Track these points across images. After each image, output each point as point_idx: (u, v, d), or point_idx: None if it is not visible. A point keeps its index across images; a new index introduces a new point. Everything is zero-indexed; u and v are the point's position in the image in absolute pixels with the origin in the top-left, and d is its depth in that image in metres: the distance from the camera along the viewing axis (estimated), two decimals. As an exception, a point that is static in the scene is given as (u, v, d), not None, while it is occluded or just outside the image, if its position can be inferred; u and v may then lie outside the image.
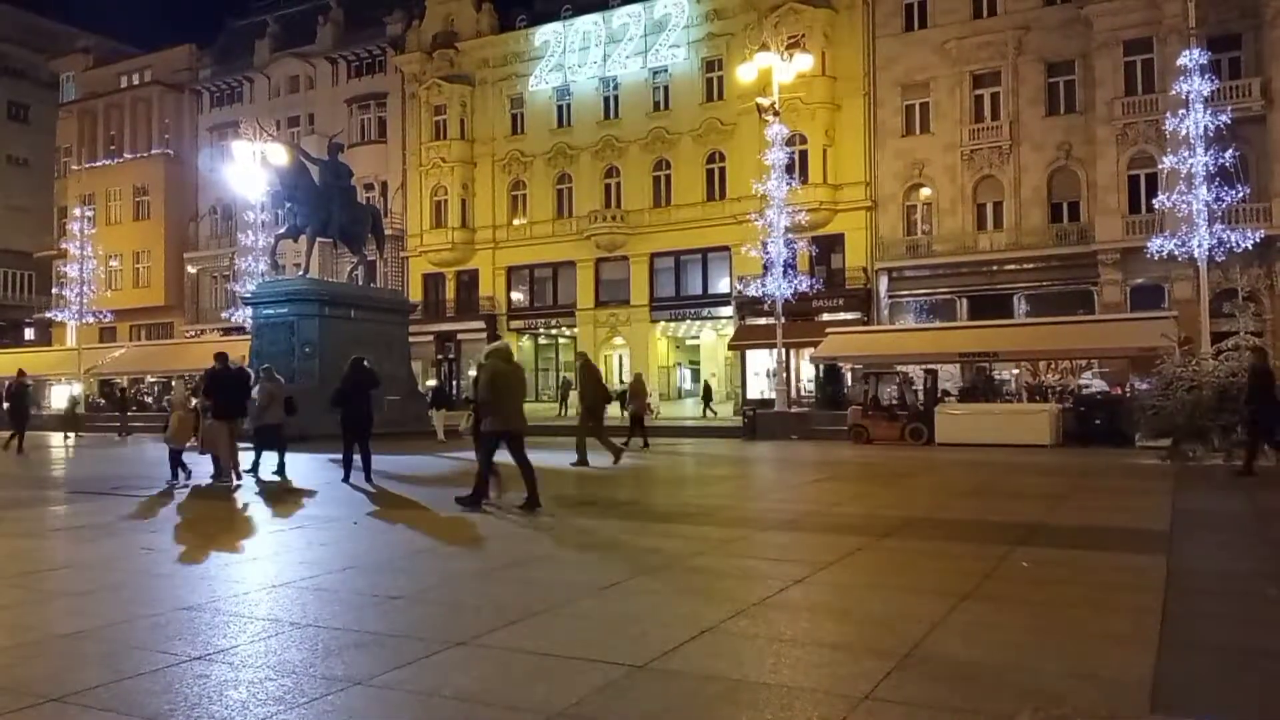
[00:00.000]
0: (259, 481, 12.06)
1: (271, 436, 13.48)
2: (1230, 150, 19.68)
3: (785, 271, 25.19)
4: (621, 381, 41.51)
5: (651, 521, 8.81)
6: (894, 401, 22.13)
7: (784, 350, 26.47)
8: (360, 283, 30.27)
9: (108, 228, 46.35)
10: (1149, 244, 21.22)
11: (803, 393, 33.42)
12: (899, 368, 24.14)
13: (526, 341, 42.12)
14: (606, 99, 38.66)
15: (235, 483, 12.01)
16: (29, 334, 52.44)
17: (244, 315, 33.03)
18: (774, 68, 24.94)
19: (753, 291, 27.18)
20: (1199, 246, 19.45)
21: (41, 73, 54.26)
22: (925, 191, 32.86)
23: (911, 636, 4.56)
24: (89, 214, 41.48)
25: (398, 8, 43.16)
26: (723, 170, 36.09)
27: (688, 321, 38.89)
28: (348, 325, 25.20)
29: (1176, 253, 20.23)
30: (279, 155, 27.73)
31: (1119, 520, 8.94)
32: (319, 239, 26.76)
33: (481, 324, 40.38)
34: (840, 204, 33.33)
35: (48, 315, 45.45)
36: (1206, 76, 19.82)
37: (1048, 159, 30.94)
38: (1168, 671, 4.06)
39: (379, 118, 43.41)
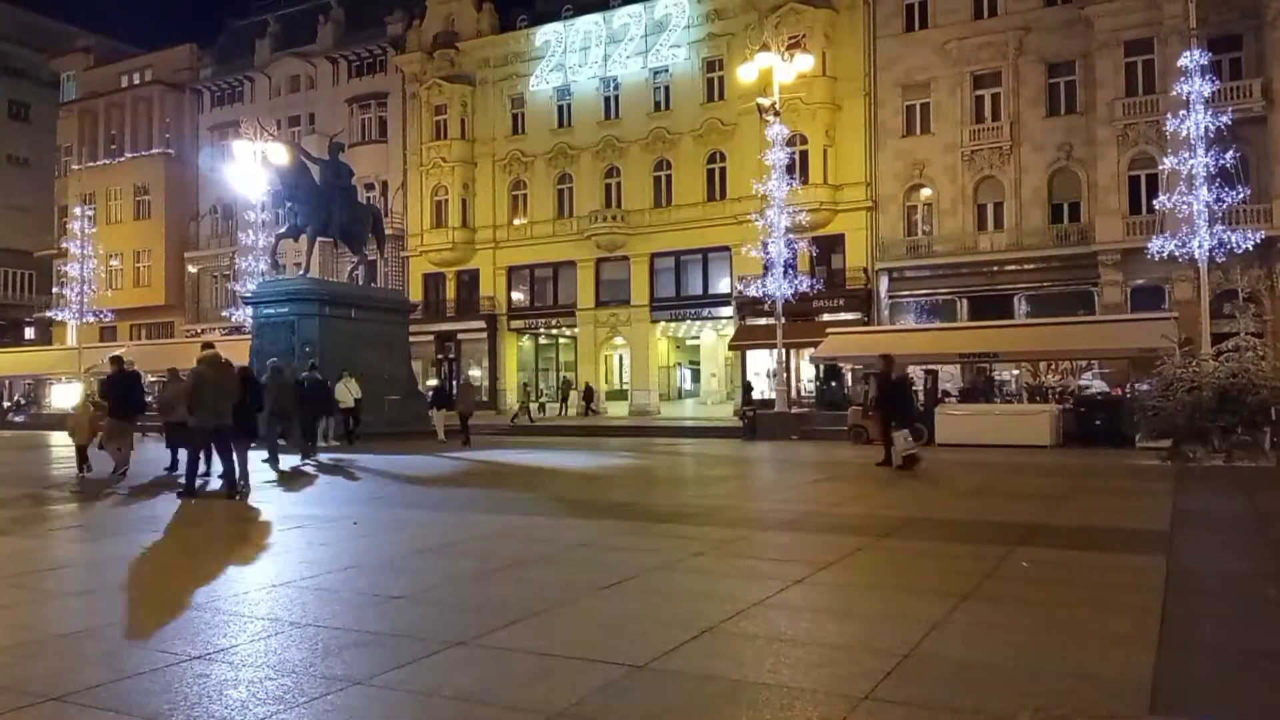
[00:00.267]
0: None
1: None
2: (1231, 151, 19.66)
3: (785, 272, 25.19)
4: (623, 382, 41.71)
5: (651, 522, 8.81)
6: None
7: (784, 350, 26.47)
8: (361, 282, 30.26)
9: (108, 227, 46.34)
10: (1149, 245, 21.20)
11: (803, 393, 33.42)
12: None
13: (527, 341, 42.15)
14: (607, 99, 38.66)
15: (121, 476, 12.99)
16: (29, 333, 52.45)
17: (244, 315, 33.03)
18: (774, 68, 24.94)
19: (753, 292, 27.17)
20: (1199, 247, 19.44)
21: (42, 72, 54.27)
22: (926, 192, 32.85)
23: (911, 637, 4.56)
24: (89, 213, 41.50)
25: (398, 7, 43.15)
26: (723, 170, 36.09)
27: (688, 321, 38.91)
28: (348, 325, 25.20)
29: (1177, 254, 20.22)
30: (279, 155, 27.72)
31: (1119, 521, 8.94)
32: (319, 239, 26.75)
33: (482, 324, 40.40)
34: (841, 204, 33.33)
35: (48, 314, 45.45)
36: (1207, 77, 19.80)
37: (1048, 160, 30.93)
38: (1167, 672, 4.06)
39: (379, 117, 43.41)
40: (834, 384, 32.61)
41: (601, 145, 38.27)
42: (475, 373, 41.67)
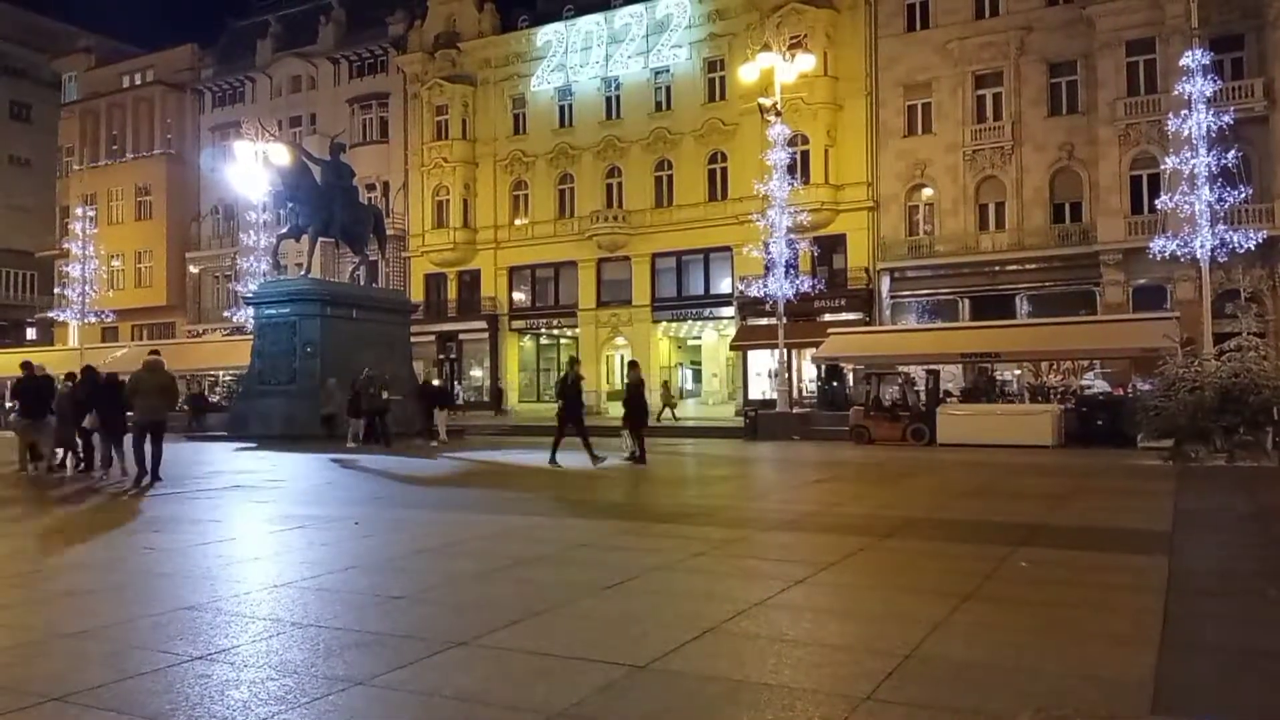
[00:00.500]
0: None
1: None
2: (1232, 151, 19.64)
3: (787, 272, 25.18)
4: (623, 382, 41.66)
5: (653, 522, 8.81)
6: (896, 402, 22.12)
7: (786, 351, 26.46)
8: (362, 283, 30.29)
9: (110, 227, 46.38)
10: (1151, 245, 21.18)
11: (804, 393, 33.42)
12: (901, 368, 24.13)
13: (528, 341, 42.15)
14: (608, 99, 38.66)
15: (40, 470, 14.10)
16: (31, 334, 52.50)
17: (246, 315, 33.05)
18: (776, 68, 24.94)
19: (754, 292, 27.17)
20: (1201, 247, 19.43)
21: (43, 72, 54.32)
22: (927, 192, 32.84)
23: (913, 637, 4.56)
24: (91, 214, 41.49)
25: (400, 8, 43.17)
26: (724, 170, 36.08)
27: (689, 322, 38.89)
28: (349, 325, 25.22)
29: (1179, 253, 20.21)
30: (281, 155, 27.75)
31: (1120, 521, 8.93)
32: (321, 239, 26.77)
33: (483, 324, 40.41)
34: (842, 204, 33.31)
35: (50, 315, 45.48)
36: (1209, 77, 19.79)
37: (1050, 159, 30.91)
38: (1168, 672, 4.06)
39: (381, 118, 43.42)
40: (835, 384, 32.58)
41: (603, 145, 38.27)
42: (476, 372, 41.67)
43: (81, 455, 14.65)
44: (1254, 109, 26.94)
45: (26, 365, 14.73)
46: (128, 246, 47.62)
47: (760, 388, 33.98)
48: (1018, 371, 29.08)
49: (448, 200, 40.89)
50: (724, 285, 36.01)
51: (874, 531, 8.01)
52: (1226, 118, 19.77)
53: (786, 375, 27.09)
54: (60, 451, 14.76)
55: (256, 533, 8.55)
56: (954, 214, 32.09)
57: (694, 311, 37.73)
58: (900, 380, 23.20)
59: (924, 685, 3.91)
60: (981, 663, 4.25)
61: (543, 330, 41.78)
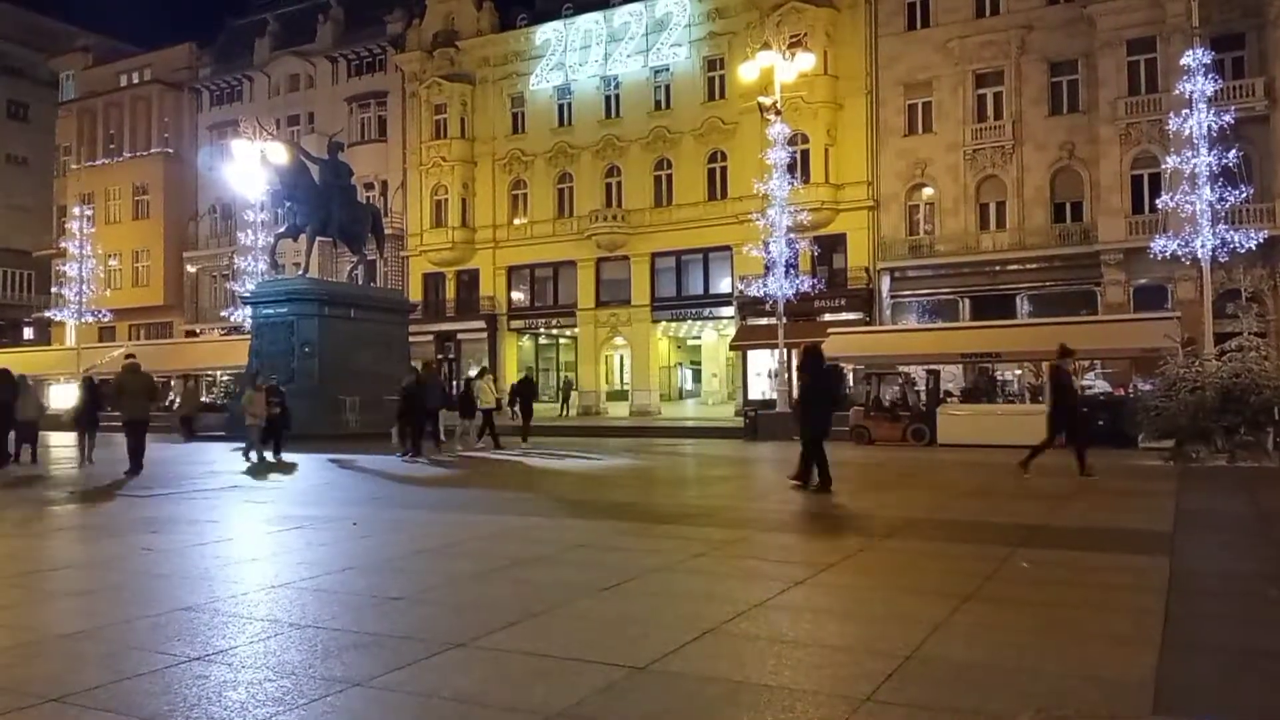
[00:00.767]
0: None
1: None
2: (1233, 150, 19.62)
3: (787, 271, 25.17)
4: (623, 383, 41.69)
5: (652, 522, 8.79)
6: (896, 402, 22.10)
7: (785, 350, 26.45)
8: (360, 282, 30.26)
9: (107, 227, 46.35)
10: (1152, 244, 21.17)
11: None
12: (901, 368, 24.12)
13: (527, 341, 42.13)
14: (607, 98, 38.64)
15: None
16: (28, 333, 52.47)
17: (243, 315, 33.04)
18: (776, 67, 24.91)
19: (754, 291, 27.15)
20: (1202, 247, 19.41)
21: (41, 71, 54.28)
22: (927, 191, 32.82)
23: (913, 638, 4.55)
24: (88, 213, 41.47)
25: (398, 6, 43.15)
26: (724, 170, 36.07)
27: (689, 321, 38.89)
28: (347, 325, 25.21)
29: (1180, 253, 20.19)
30: (279, 154, 27.72)
31: (1121, 521, 8.92)
32: (319, 238, 26.76)
33: (482, 324, 40.39)
34: (842, 204, 33.30)
35: (47, 314, 45.45)
36: (1210, 76, 19.77)
37: (1050, 159, 30.90)
38: (1169, 672, 4.05)
39: (379, 117, 43.40)
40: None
41: (602, 144, 38.25)
42: (475, 372, 41.62)
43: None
44: (1255, 108, 26.93)
45: None
46: (125, 246, 47.59)
47: (760, 388, 33.97)
48: (1018, 371, 29.07)
49: (446, 199, 40.87)
50: (724, 285, 36.00)
51: (874, 532, 8.00)
52: (1227, 117, 19.75)
53: (786, 375, 27.07)
54: None
55: (254, 533, 8.53)
56: (954, 213, 32.08)
57: (693, 311, 37.72)
58: (900, 380, 23.19)
59: (924, 686, 3.90)
60: (982, 663, 4.23)
61: (541, 330, 41.78)
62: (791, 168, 27.00)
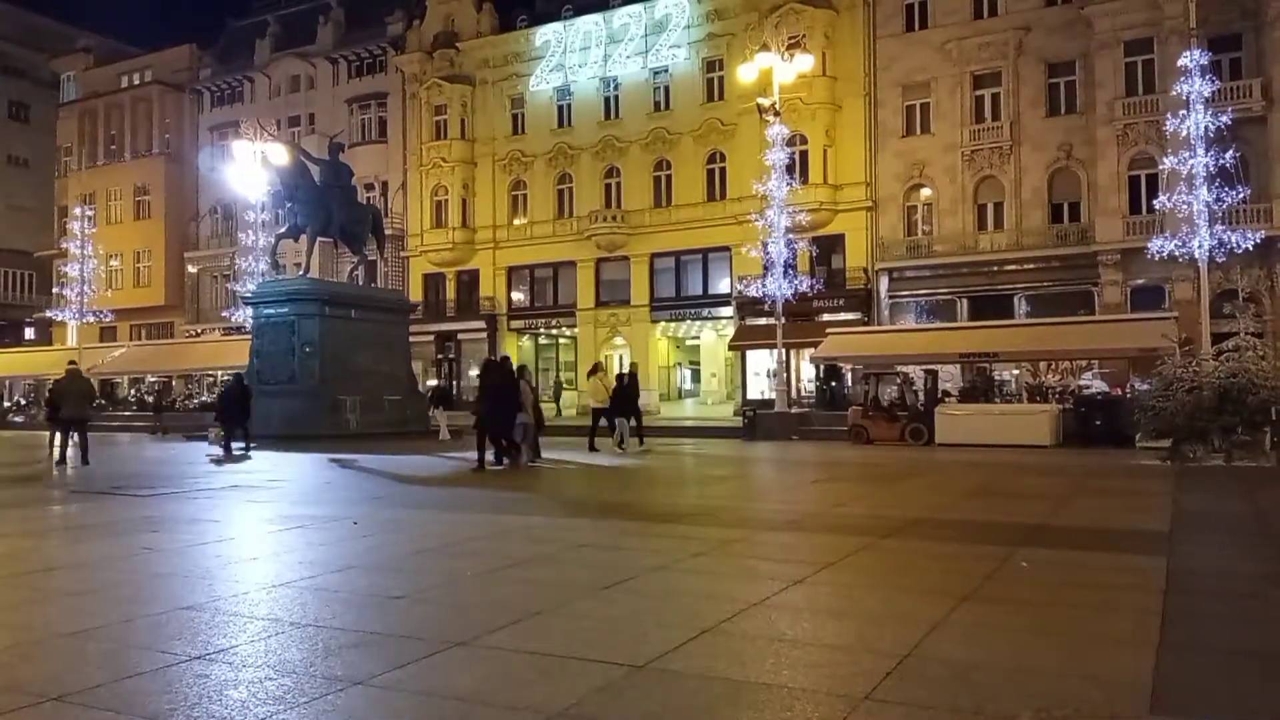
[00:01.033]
0: None
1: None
2: (1231, 151, 19.65)
3: (785, 272, 25.19)
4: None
5: (652, 522, 8.80)
6: (894, 402, 22.12)
7: (784, 350, 26.47)
8: (360, 282, 30.28)
9: (108, 227, 46.37)
10: (1149, 245, 21.20)
11: (803, 393, 33.43)
12: (899, 368, 24.15)
13: (527, 341, 42.13)
14: (607, 99, 38.67)
15: None
16: (29, 333, 52.46)
17: (244, 315, 33.05)
18: (774, 68, 24.94)
19: (753, 292, 27.17)
20: (1199, 247, 19.44)
21: (42, 72, 54.28)
22: (926, 192, 32.86)
23: (912, 637, 4.56)
24: (89, 213, 41.52)
25: (398, 8, 43.16)
26: (723, 170, 36.09)
27: (688, 322, 38.91)
28: (348, 325, 25.21)
29: (1177, 253, 20.22)
30: (279, 155, 27.74)
31: (1120, 521, 8.94)
32: (319, 239, 26.76)
33: (482, 324, 40.40)
34: (841, 204, 33.33)
35: (48, 315, 45.47)
36: (1207, 77, 19.79)
37: (1048, 159, 30.93)
38: (1168, 672, 4.06)
39: (379, 118, 43.42)
40: (834, 384, 32.60)
41: (601, 145, 38.28)
42: (475, 372, 41.56)
43: None
44: (1252, 109, 26.97)
45: None
46: (126, 246, 47.60)
47: (759, 388, 34.00)
48: (1016, 371, 29.12)
49: (446, 200, 40.89)
50: (723, 285, 36.02)
51: (873, 531, 8.01)
52: (1225, 118, 19.78)
53: (785, 375, 27.10)
54: None
55: (255, 533, 8.54)
56: (952, 214, 32.11)
57: (692, 311, 37.74)
58: (899, 380, 23.21)
59: (923, 685, 3.91)
60: (981, 663, 4.24)
61: (541, 330, 41.79)
62: (790, 168, 27.03)
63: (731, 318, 35.51)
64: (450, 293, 41.63)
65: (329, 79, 44.71)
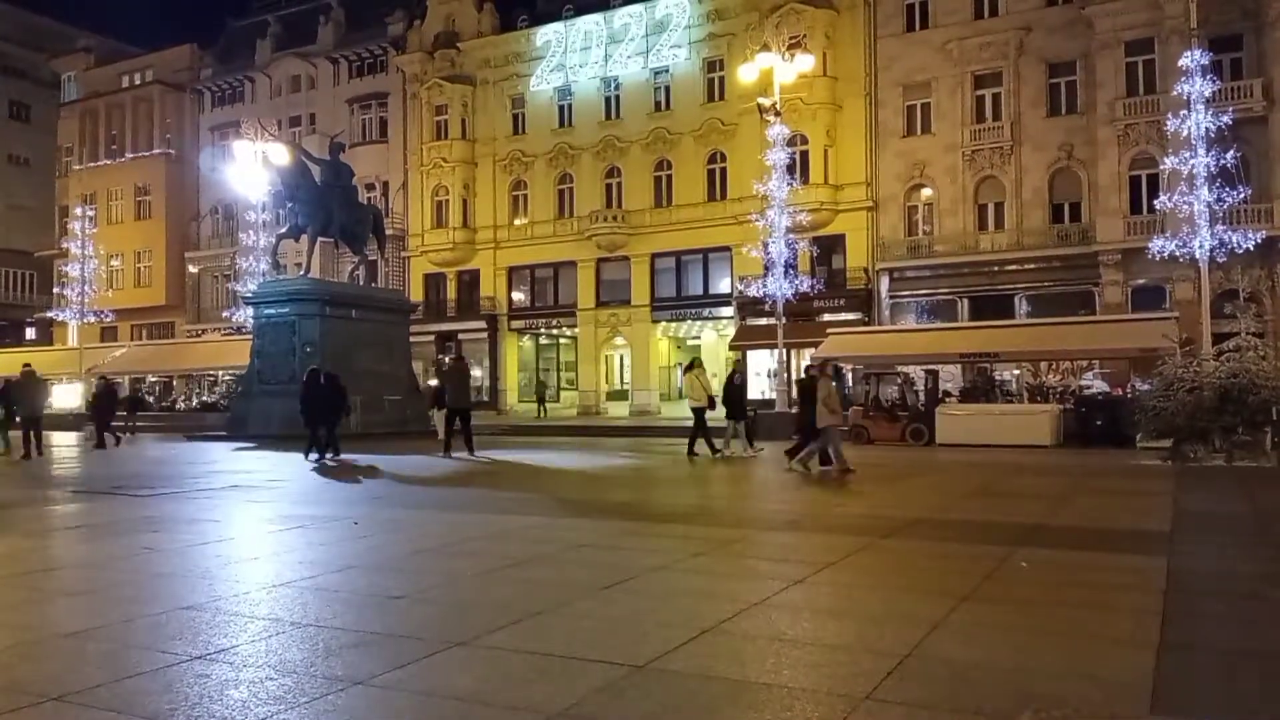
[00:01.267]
0: None
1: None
2: (1231, 151, 19.64)
3: (786, 272, 25.18)
4: (623, 382, 41.71)
5: (652, 522, 8.81)
6: (895, 402, 22.12)
7: (785, 351, 26.47)
8: (361, 283, 30.28)
9: (109, 227, 46.39)
10: (1150, 245, 21.19)
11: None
12: (900, 368, 24.15)
13: (527, 341, 42.15)
14: (608, 99, 38.67)
15: None
16: (30, 333, 52.48)
17: (245, 315, 33.07)
18: (775, 68, 24.93)
19: (754, 292, 27.16)
20: (1200, 247, 19.43)
21: (43, 72, 54.30)
22: (926, 192, 32.85)
23: (912, 637, 4.56)
24: (90, 213, 41.53)
25: (399, 8, 43.17)
26: (724, 170, 36.10)
27: (688, 322, 38.91)
28: (348, 325, 25.23)
29: (1178, 253, 20.21)
30: (280, 155, 27.76)
31: (1120, 521, 8.93)
32: (320, 239, 26.77)
33: (483, 324, 40.41)
34: (841, 204, 33.33)
35: (49, 315, 45.49)
36: (1208, 77, 19.79)
37: (1049, 159, 30.93)
38: (1168, 672, 4.06)
39: (380, 118, 43.43)
40: (834, 384, 32.53)
41: (602, 145, 38.28)
42: (477, 372, 41.63)
43: None
44: (1253, 109, 26.97)
45: None
46: (127, 246, 47.61)
47: (759, 388, 33.98)
48: (1016, 371, 29.10)
49: (447, 200, 40.90)
50: (723, 285, 36.02)
51: (873, 531, 8.01)
52: (1225, 118, 19.77)
53: (786, 375, 27.09)
54: None
55: (255, 533, 8.54)
56: (953, 214, 32.11)
57: (693, 311, 37.74)
58: (899, 380, 23.21)
59: (923, 685, 3.91)
60: (981, 662, 4.24)
61: (542, 330, 41.80)
62: (791, 168, 27.02)
63: (732, 318, 35.51)
64: (451, 293, 41.64)
65: (330, 79, 44.72)
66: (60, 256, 46.31)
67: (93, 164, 49.33)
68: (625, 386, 40.87)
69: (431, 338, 40.23)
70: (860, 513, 9.66)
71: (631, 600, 5.53)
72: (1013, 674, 4.09)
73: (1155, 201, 23.01)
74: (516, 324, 40.83)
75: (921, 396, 21.91)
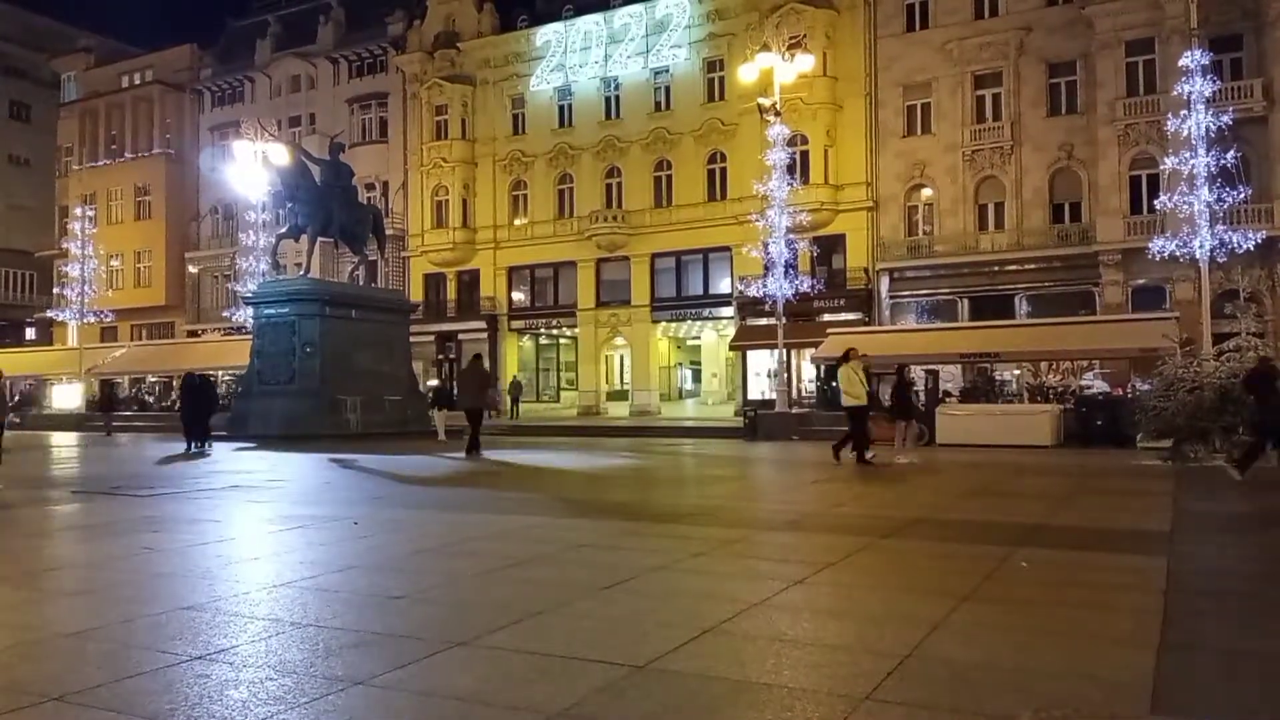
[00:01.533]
0: None
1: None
2: (1232, 151, 19.66)
3: (786, 272, 25.19)
4: (623, 383, 41.71)
5: (652, 522, 8.80)
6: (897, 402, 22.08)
7: (785, 351, 26.47)
8: (361, 283, 30.30)
9: (109, 227, 46.39)
10: (1150, 245, 21.21)
11: (804, 393, 33.43)
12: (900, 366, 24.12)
13: (528, 341, 42.15)
14: (608, 99, 38.68)
15: None
16: (30, 334, 52.49)
17: (245, 315, 33.08)
18: (775, 68, 24.94)
19: (754, 292, 27.18)
20: (1200, 247, 19.44)
21: (43, 72, 54.31)
22: (926, 192, 32.86)
23: (912, 637, 4.56)
24: (90, 213, 41.55)
25: (399, 7, 43.18)
26: (724, 170, 36.10)
27: (689, 322, 38.92)
28: (348, 325, 25.25)
29: (1178, 254, 20.22)
30: (280, 155, 27.77)
31: (1120, 521, 8.93)
32: (320, 239, 26.79)
33: (483, 324, 40.41)
34: (841, 204, 33.33)
35: (49, 315, 45.49)
36: (1208, 77, 19.80)
37: (1049, 160, 30.93)
38: (1168, 672, 4.06)
39: (380, 118, 43.44)
40: (835, 384, 32.55)
41: (602, 145, 38.28)
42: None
43: None
44: (1253, 109, 26.97)
45: None
46: (127, 246, 47.62)
47: (759, 388, 34.02)
48: (1017, 371, 29.12)
49: (447, 200, 40.90)
50: (723, 285, 36.03)
51: (873, 531, 8.00)
52: (1226, 118, 19.78)
53: (786, 375, 27.10)
54: None
55: (255, 533, 8.54)
56: (953, 214, 32.11)
57: (693, 311, 37.75)
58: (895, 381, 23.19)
59: (924, 685, 3.91)
60: (981, 663, 4.24)
61: (542, 330, 41.81)
62: (791, 169, 27.04)
63: (732, 318, 35.51)
64: (451, 293, 41.65)
65: (330, 79, 44.72)
66: (60, 256, 46.32)
67: (93, 164, 49.34)
68: (625, 387, 40.89)
69: (431, 338, 40.25)
70: (860, 513, 9.66)
71: (632, 600, 5.52)
72: (1013, 674, 4.09)
73: (1155, 201, 23.01)
74: (516, 324, 40.84)
75: (921, 396, 21.90)
